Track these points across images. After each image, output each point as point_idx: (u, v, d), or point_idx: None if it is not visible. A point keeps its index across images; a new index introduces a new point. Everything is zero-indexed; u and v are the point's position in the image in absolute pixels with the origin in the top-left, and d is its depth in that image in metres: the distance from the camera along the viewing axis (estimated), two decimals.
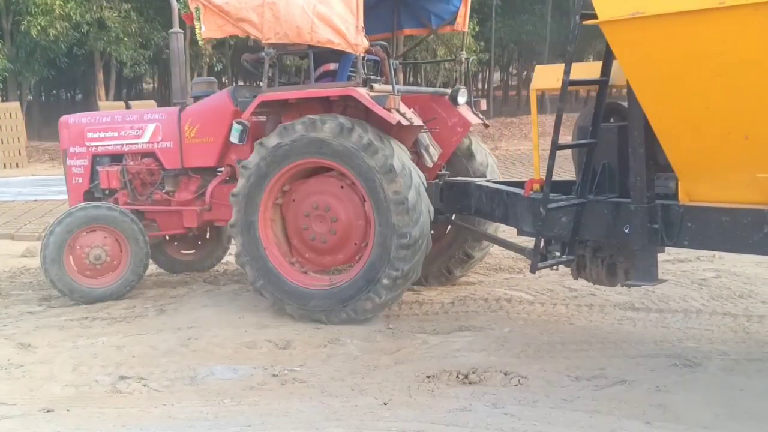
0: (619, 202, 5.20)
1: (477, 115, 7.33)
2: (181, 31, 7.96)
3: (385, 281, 6.18)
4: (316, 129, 6.33)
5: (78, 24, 24.65)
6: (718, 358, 5.37)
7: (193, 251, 8.75)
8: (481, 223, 7.41)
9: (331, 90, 6.58)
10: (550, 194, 5.37)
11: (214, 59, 27.02)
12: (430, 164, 6.93)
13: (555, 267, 5.82)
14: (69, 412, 4.74)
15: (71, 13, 24.09)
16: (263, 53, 6.63)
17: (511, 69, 47.06)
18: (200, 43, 6.99)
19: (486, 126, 7.55)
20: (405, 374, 5.23)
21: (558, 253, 5.60)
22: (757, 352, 5.51)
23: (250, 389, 5.08)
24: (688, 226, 4.78)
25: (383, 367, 5.41)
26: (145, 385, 5.19)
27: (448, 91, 7.30)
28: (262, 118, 7.26)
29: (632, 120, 4.89)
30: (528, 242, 6.23)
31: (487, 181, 6.97)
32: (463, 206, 6.89)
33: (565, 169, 10.32)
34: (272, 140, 6.53)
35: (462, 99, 7.18)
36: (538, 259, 5.45)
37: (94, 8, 24.92)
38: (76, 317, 6.94)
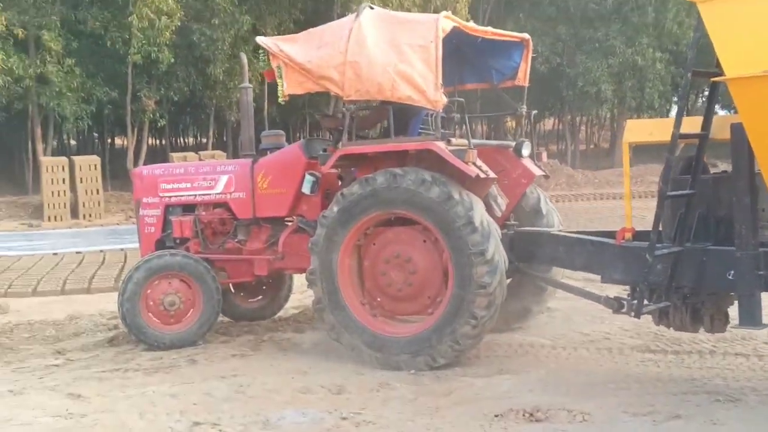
0: (723, 249, 5.56)
1: (539, 167, 7.74)
2: (251, 86, 8.27)
3: (465, 329, 6.44)
4: (398, 182, 6.62)
5: (20, 78, 24.37)
6: (752, 393, 5.79)
7: (258, 298, 8.98)
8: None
9: (411, 144, 6.91)
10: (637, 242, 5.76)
11: (157, 114, 26.99)
12: (498, 214, 7.24)
13: (632, 314, 6.16)
14: None
15: (14, 67, 23.81)
16: (344, 108, 6.94)
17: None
18: (281, 99, 7.26)
19: (547, 177, 7.93)
20: (471, 414, 5.48)
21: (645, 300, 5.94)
22: None
23: (327, 431, 5.25)
24: None
25: (445, 408, 5.66)
26: (221, 430, 5.30)
27: (512, 143, 7.67)
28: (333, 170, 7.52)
29: (738, 171, 5.31)
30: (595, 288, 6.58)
31: (561, 231, 7.33)
32: (536, 256, 7.23)
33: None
34: (354, 191, 6.79)
35: (526, 151, 7.57)
36: (641, 305, 5.78)
37: (37, 62, 24.70)
38: (108, 369, 6.98)
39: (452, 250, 6.55)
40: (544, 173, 7.91)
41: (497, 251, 6.53)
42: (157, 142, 40.94)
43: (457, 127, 8.68)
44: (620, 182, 29.22)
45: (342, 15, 26.57)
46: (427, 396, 5.96)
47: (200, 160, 24.08)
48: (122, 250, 14.68)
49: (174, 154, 25.55)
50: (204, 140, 40.70)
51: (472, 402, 5.77)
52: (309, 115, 33.14)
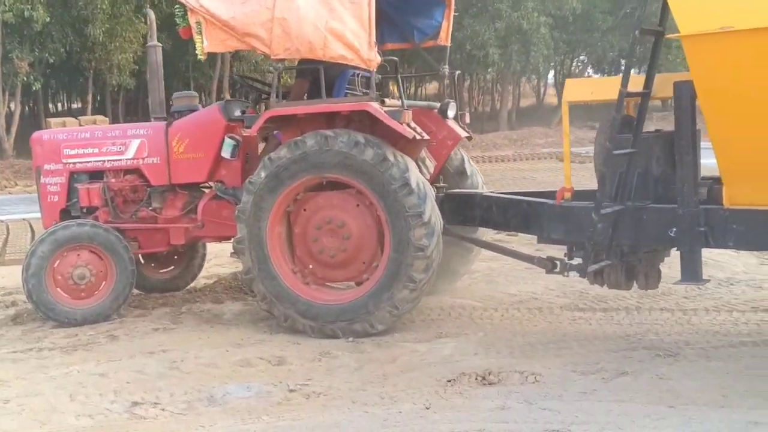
0: (665, 207, 5.60)
1: (463, 128, 7.60)
2: (160, 44, 7.76)
3: (403, 293, 6.30)
4: (329, 144, 6.35)
5: None
6: (687, 347, 5.94)
7: (171, 269, 8.54)
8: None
9: (346, 105, 6.63)
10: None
11: (31, 77, 25.46)
12: (427, 176, 7.08)
13: (566, 273, 6.16)
14: None
15: None
16: (272, 68, 6.58)
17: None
18: (200, 57, 6.79)
19: (470, 139, 7.80)
20: (422, 380, 5.38)
21: (579, 259, 5.93)
22: (714, 340, 6.12)
23: (278, 405, 5.05)
24: (733, 228, 5.28)
25: (394, 376, 5.53)
26: (163, 410, 5.01)
27: (437, 104, 7.51)
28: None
29: (681, 129, 5.35)
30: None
31: (494, 192, 7.24)
32: (467, 217, 7.13)
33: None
34: (282, 155, 6.47)
35: (451, 113, 7.40)
36: (587, 263, 5.77)
37: None
38: (19, 349, 6.53)
39: (388, 213, 6.39)
40: (468, 135, 7.83)
41: (434, 213, 6.43)
42: (32, 106, 38.79)
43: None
44: (505, 145, 29.88)
45: None
46: (372, 363, 5.82)
47: (80, 125, 22.99)
48: (1, 221, 13.82)
49: (51, 119, 24.16)
50: (78, 105, 39.01)
51: (420, 368, 5.67)
52: (193, 78, 32.16)
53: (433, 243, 6.36)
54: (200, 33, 6.72)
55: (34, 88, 26.66)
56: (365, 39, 6.40)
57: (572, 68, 46.43)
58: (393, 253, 6.38)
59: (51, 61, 25.77)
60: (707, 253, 7.35)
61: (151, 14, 8.48)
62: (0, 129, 25.38)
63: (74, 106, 41.77)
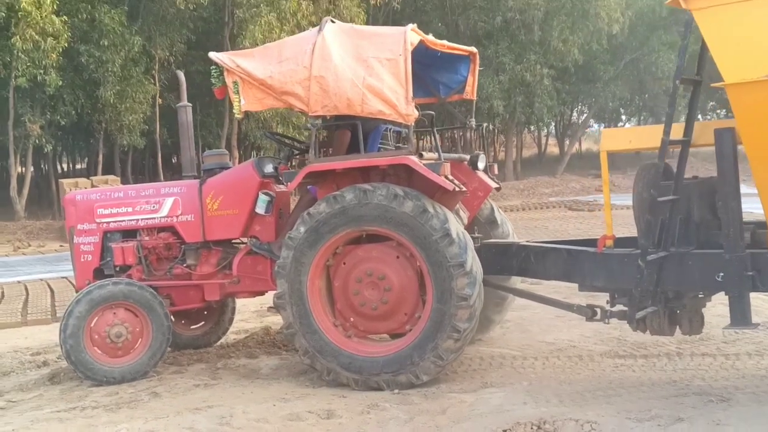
0: (711, 252, 5.65)
1: (493, 179, 7.68)
2: (190, 104, 7.91)
3: (448, 343, 6.31)
4: (368, 197, 6.42)
5: None
6: (738, 392, 5.91)
7: (201, 324, 8.57)
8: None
9: (386, 159, 6.72)
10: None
11: (43, 140, 25.68)
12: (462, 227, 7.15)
13: (607, 321, 6.19)
14: None
15: None
16: (309, 125, 6.69)
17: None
18: (237, 116, 6.92)
19: (498, 189, 7.88)
20: (477, 430, 5.36)
21: (622, 306, 5.97)
22: (763, 385, 6.10)
23: None
24: None
25: (446, 427, 5.51)
26: None
27: (467, 156, 7.60)
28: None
29: (724, 175, 5.41)
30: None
31: (530, 241, 7.29)
32: (504, 267, 7.17)
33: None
34: (321, 209, 6.54)
35: (481, 164, 7.49)
36: (634, 311, 5.82)
37: None
38: (63, 408, 6.49)
39: (430, 264, 6.43)
40: (497, 185, 7.91)
41: (475, 262, 6.47)
42: (42, 167, 39.09)
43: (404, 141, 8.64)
44: (513, 195, 30.00)
45: (236, 35, 26.26)
46: (422, 415, 5.79)
47: (92, 185, 23.19)
48: (19, 282, 13.84)
49: (64, 180, 24.50)
50: (83, 165, 39.30)
51: (472, 418, 5.64)
52: (201, 137, 32.44)
53: (476, 292, 6.39)
54: (237, 92, 6.86)
55: (45, 150, 26.89)
56: (402, 95, 6.52)
57: (572, 118, 46.88)
58: (436, 303, 6.40)
59: (62, 123, 26.03)
60: None
61: (181, 75, 8.64)
62: (12, 191, 25.53)
63: (78, 166, 42.06)
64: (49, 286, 12.95)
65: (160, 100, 27.56)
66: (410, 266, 6.66)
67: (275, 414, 5.94)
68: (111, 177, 24.92)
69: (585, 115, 44.68)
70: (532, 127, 45.89)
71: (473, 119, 8.42)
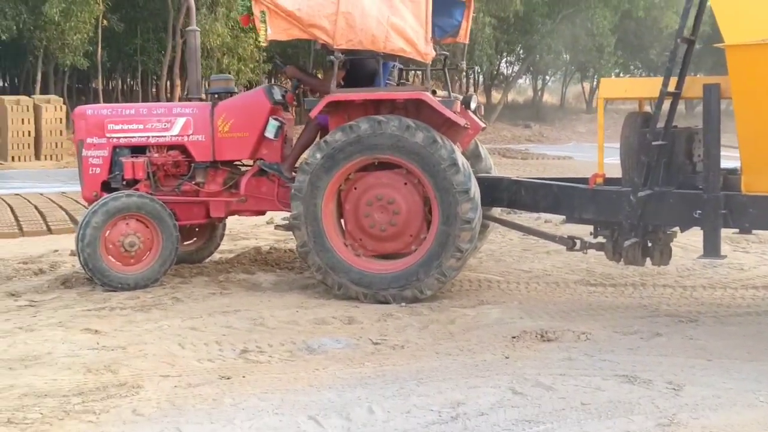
0: (691, 192, 6.49)
1: (481, 119, 8.36)
2: (198, 29, 8.22)
3: (451, 261, 7.04)
4: (382, 128, 7.02)
5: None
6: (702, 316, 6.85)
7: (193, 241, 9.00)
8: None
9: (403, 94, 7.29)
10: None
11: None
12: None
13: (585, 251, 7.05)
14: (245, 378, 5.11)
15: None
16: (332, 57, 7.18)
17: None
18: (262, 44, 7.36)
19: (484, 129, 8.56)
20: (489, 337, 6.13)
21: (602, 238, 6.82)
22: (720, 311, 7.05)
23: (372, 354, 5.71)
24: (749, 212, 6.19)
25: (459, 334, 6.26)
26: (271, 356, 5.62)
27: (460, 96, 8.24)
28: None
29: (709, 125, 6.21)
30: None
31: (520, 177, 8.05)
32: (495, 199, 7.88)
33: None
34: (337, 137, 7.10)
35: (473, 104, 8.15)
36: (623, 240, 6.64)
37: None
38: (92, 308, 6.97)
39: (437, 190, 7.12)
40: (484, 125, 8.63)
41: (476, 189, 7.20)
42: None
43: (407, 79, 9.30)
44: None
45: None
46: (435, 324, 6.53)
47: (34, 104, 22.92)
48: None
49: (5, 97, 24.01)
50: (13, 83, 38.20)
51: (480, 328, 6.42)
52: (141, 62, 32.09)
53: (477, 216, 7.15)
54: (264, 22, 7.31)
55: None
56: (422, 35, 7.13)
57: (499, 68, 47.69)
58: (442, 225, 7.11)
59: (3, 38, 25.43)
60: (688, 241, 8.41)
61: (191, 1, 8.98)
62: None
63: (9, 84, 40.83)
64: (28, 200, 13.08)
65: (104, 21, 27.13)
66: (416, 192, 7.33)
67: (303, 318, 6.59)
68: (53, 97, 24.61)
69: (517, 66, 45.58)
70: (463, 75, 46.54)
71: (464, 61, 9.08)
